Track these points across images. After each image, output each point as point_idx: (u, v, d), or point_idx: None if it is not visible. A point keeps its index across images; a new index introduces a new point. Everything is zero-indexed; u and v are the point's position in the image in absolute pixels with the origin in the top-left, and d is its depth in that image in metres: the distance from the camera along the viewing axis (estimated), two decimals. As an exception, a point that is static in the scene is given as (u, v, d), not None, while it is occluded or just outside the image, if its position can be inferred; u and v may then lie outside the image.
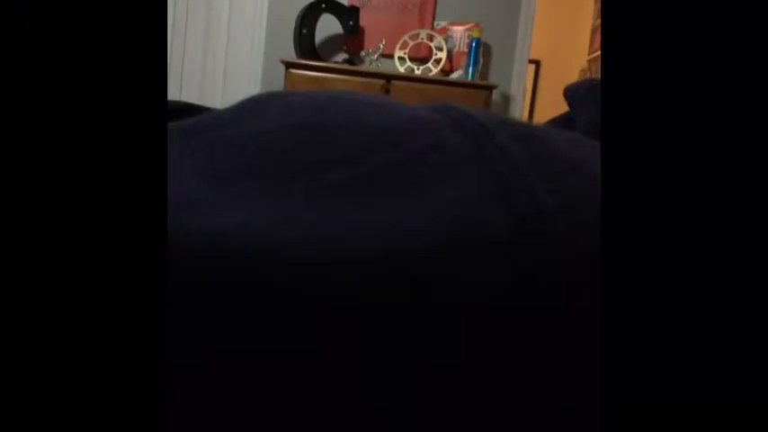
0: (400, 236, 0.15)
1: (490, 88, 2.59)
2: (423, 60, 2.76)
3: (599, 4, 4.09)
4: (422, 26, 2.80)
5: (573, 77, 4.09)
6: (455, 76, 2.68)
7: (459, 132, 0.19)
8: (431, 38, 2.74)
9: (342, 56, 2.77)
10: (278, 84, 2.75)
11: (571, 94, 0.33)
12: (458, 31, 2.80)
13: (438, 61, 2.71)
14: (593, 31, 4.17)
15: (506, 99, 2.89)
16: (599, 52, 4.02)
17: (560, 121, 0.34)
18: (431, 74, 2.67)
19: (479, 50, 2.66)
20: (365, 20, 2.80)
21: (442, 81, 2.58)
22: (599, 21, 4.05)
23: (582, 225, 0.17)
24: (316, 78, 2.51)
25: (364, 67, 2.64)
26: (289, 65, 2.53)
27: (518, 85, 2.90)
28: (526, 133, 0.19)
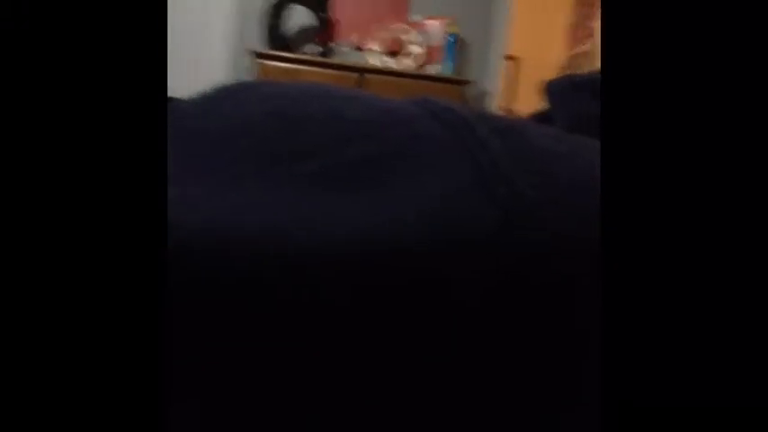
0: (379, 227, 0.15)
1: (466, 83, 2.57)
2: (397, 54, 2.71)
3: (575, 3, 4.11)
4: (396, 19, 2.76)
5: (551, 74, 4.10)
6: (432, 70, 2.64)
7: (439, 124, 0.18)
8: (406, 31, 2.69)
9: (314, 48, 2.71)
10: (248, 76, 2.68)
11: (549, 90, 0.33)
12: (433, 25, 2.76)
13: (413, 55, 2.67)
14: (571, 28, 4.18)
15: (483, 95, 2.86)
16: (577, 49, 4.03)
17: (538, 118, 0.34)
18: (405, 68, 2.63)
19: (456, 45, 2.63)
20: (338, 12, 2.74)
21: (417, 75, 2.55)
22: (576, 18, 4.07)
23: (563, 218, 0.16)
24: (287, 70, 2.46)
25: (338, 60, 2.58)
26: (260, 56, 2.47)
27: (494, 81, 2.87)
28: (506, 127, 0.19)
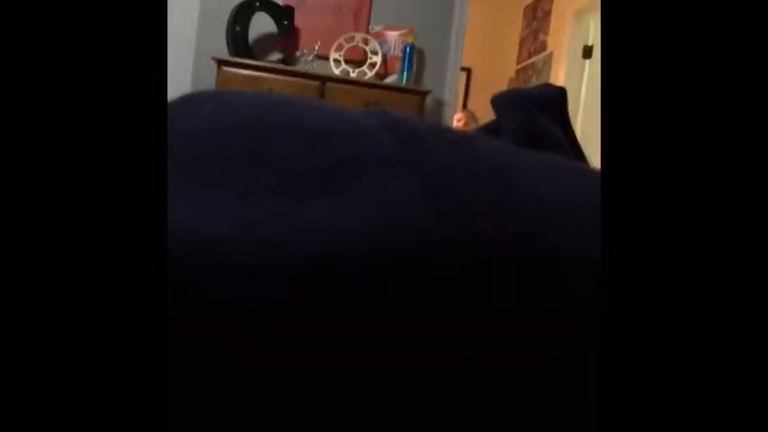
0: (330, 236, 0.15)
1: (424, 93, 2.64)
2: (358, 63, 2.77)
3: (527, 18, 4.27)
4: (357, 29, 2.81)
5: (502, 86, 4.23)
6: (389, 80, 2.70)
7: (393, 136, 0.19)
8: (366, 41, 2.75)
9: (276, 55, 2.73)
10: (209, 82, 2.68)
11: (497, 103, 0.34)
12: (392, 36, 2.83)
13: (373, 65, 2.73)
14: (521, 42, 4.34)
15: (439, 104, 2.94)
16: (526, 62, 4.19)
17: (487, 130, 0.34)
18: (366, 77, 2.69)
19: (413, 56, 2.70)
20: (300, 20, 2.77)
21: (376, 85, 2.59)
22: (527, 32, 4.23)
23: (509, 229, 0.17)
24: (249, 77, 2.47)
25: (299, 68, 2.62)
26: (221, 62, 2.47)
27: (450, 92, 2.96)
28: (457, 139, 0.20)
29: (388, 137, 0.19)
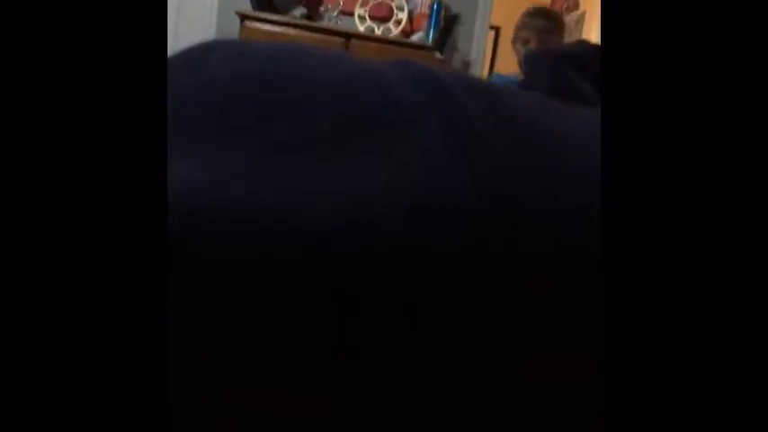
0: (354, 197, 0.14)
1: (450, 52, 2.58)
2: (383, 20, 2.71)
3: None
4: (383, -16, 2.74)
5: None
6: (415, 38, 2.65)
7: (418, 89, 0.18)
8: (392, -3, 2.69)
9: (300, 10, 2.69)
10: (232, 37, 2.65)
11: (529, 60, 0.33)
12: (419, -8, 2.75)
13: (398, 22, 2.67)
14: (553, 1, 4.18)
15: (466, 64, 2.88)
16: (558, 21, 4.05)
17: (518, 86, 0.33)
18: (391, 35, 2.63)
19: (441, 14, 2.63)
20: (325, -26, 2.71)
21: (402, 43, 2.55)
22: (559, -11, 4.08)
23: (545, 191, 0.16)
24: (272, 33, 2.44)
25: (323, 24, 2.58)
26: (244, 17, 2.44)
27: (478, 51, 2.89)
28: (487, 91, 0.18)
29: (414, 90, 0.17)
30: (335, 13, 2.67)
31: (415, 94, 0.17)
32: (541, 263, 0.15)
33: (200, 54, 0.19)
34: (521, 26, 1.69)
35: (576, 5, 3.79)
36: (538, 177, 0.16)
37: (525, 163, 0.16)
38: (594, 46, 0.33)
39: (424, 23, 2.67)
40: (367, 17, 2.68)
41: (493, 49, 4.35)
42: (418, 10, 2.75)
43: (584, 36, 3.55)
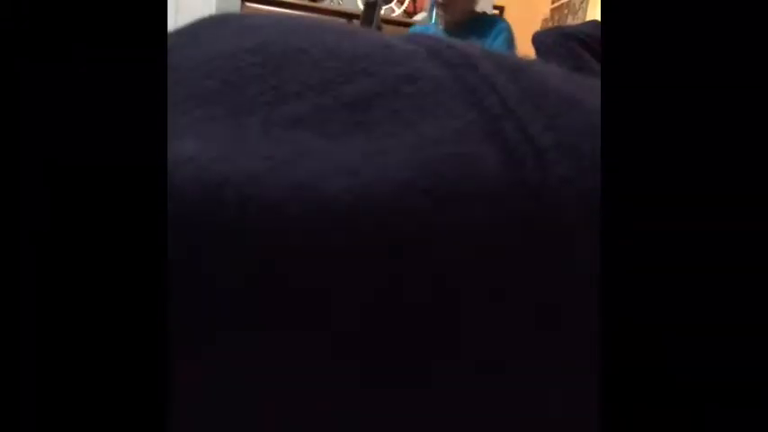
0: (373, 173, 0.13)
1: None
2: (390, 0, 2.68)
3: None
4: (386, -37, 2.71)
5: (536, 26, 4.08)
6: (418, 17, 2.62)
7: (439, 62, 0.17)
8: (395, -24, 2.65)
9: (301, -9, 2.66)
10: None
11: (539, 40, 0.33)
12: (422, -29, 2.72)
13: (402, 1, 2.64)
14: (558, -21, 4.13)
15: (469, 45, 2.85)
16: (562, 1, 4.00)
17: None
18: (394, 15, 2.61)
19: (443, -7, 2.60)
20: (327, -47, 2.68)
21: (405, 23, 2.53)
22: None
23: (581, 166, 0.15)
24: (273, 13, 2.41)
25: (324, 5, 2.55)
26: (246, -2, 2.42)
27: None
28: (514, 64, 0.17)
29: (434, 64, 0.17)
30: (337, -7, 2.64)
31: (434, 67, 0.16)
32: (580, 241, 0.14)
33: (209, 27, 0.18)
34: None
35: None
36: (573, 154, 0.15)
37: (559, 139, 0.15)
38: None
39: (428, 3, 2.64)
40: (369, -3, 2.65)
41: (496, 29, 4.31)
42: (421, -11, 2.72)
43: (589, 18, 3.51)
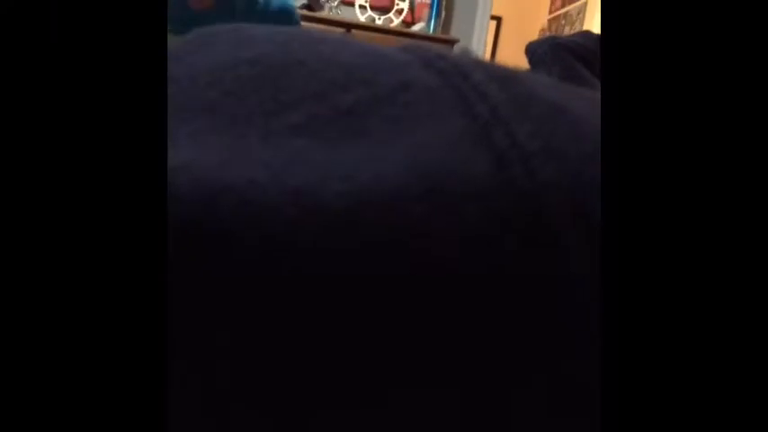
0: (369, 179, 0.14)
1: (452, 42, 2.57)
2: (384, 10, 2.69)
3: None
4: (384, -26, 2.73)
5: (533, 36, 4.10)
6: (416, 28, 2.64)
7: (432, 71, 0.17)
8: (393, -13, 2.67)
9: (300, 1, 2.67)
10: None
11: (532, 51, 0.33)
12: (420, -19, 2.74)
13: (400, 12, 2.66)
14: (555, -10, 4.17)
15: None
16: (559, 11, 4.03)
17: None
18: (392, 24, 2.62)
19: (442, 3, 2.62)
20: (326, -36, 2.69)
21: (403, 33, 2.54)
22: (561, -21, 4.06)
23: (567, 172, 0.15)
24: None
25: (324, 14, 2.57)
26: (245, 7, 2.43)
27: (479, 41, 2.88)
28: (504, 74, 0.18)
29: (427, 73, 0.17)
30: (336, 3, 2.66)
31: (427, 76, 0.17)
32: (564, 241, 0.15)
33: (204, 40, 0.19)
34: None
35: (578, -5, 3.78)
36: (559, 158, 0.15)
37: (546, 144, 0.16)
38: (598, 37, 0.33)
39: (426, 13, 2.66)
40: (368, 7, 2.67)
41: (494, 39, 4.33)
42: None
43: (586, 28, 3.54)
